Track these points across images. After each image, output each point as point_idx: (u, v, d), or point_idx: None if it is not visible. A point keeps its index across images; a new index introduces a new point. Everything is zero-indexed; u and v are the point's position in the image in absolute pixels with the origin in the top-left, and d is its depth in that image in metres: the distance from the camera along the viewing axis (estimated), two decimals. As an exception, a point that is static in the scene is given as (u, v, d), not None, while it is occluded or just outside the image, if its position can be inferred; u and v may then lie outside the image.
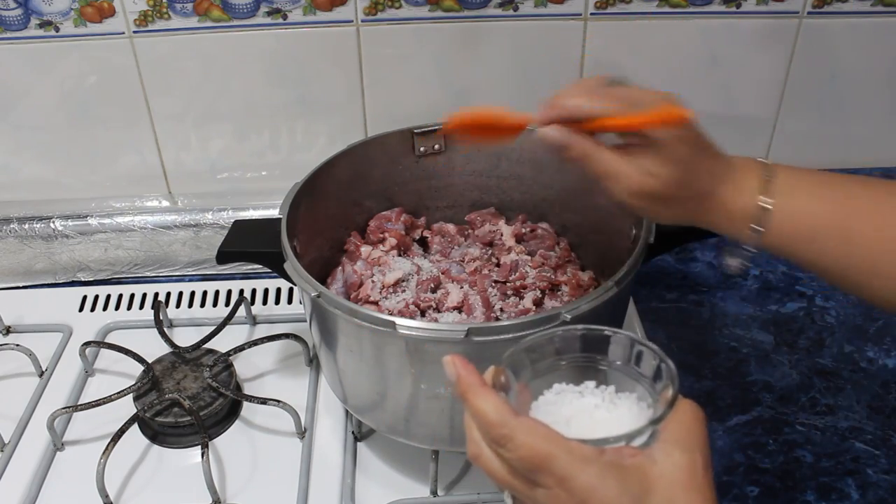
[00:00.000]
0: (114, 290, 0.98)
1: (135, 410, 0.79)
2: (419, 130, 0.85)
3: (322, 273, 0.83)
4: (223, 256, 0.75)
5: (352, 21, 0.91)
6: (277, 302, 0.96)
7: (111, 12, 0.90)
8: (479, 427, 0.47)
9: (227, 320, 0.88)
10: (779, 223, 0.59)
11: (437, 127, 0.86)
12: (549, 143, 0.60)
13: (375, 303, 0.79)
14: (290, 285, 0.96)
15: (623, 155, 0.58)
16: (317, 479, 0.75)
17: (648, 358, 0.50)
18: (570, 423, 0.48)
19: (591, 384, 0.51)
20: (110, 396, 0.79)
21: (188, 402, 0.78)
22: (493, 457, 0.46)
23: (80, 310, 0.96)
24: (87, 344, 0.86)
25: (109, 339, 0.91)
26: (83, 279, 1.00)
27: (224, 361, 0.84)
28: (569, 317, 0.62)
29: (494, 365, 0.50)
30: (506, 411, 0.45)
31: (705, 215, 0.61)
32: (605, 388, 0.50)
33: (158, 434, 0.80)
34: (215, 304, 0.96)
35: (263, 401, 0.79)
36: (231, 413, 0.82)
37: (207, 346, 0.86)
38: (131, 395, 0.80)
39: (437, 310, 0.78)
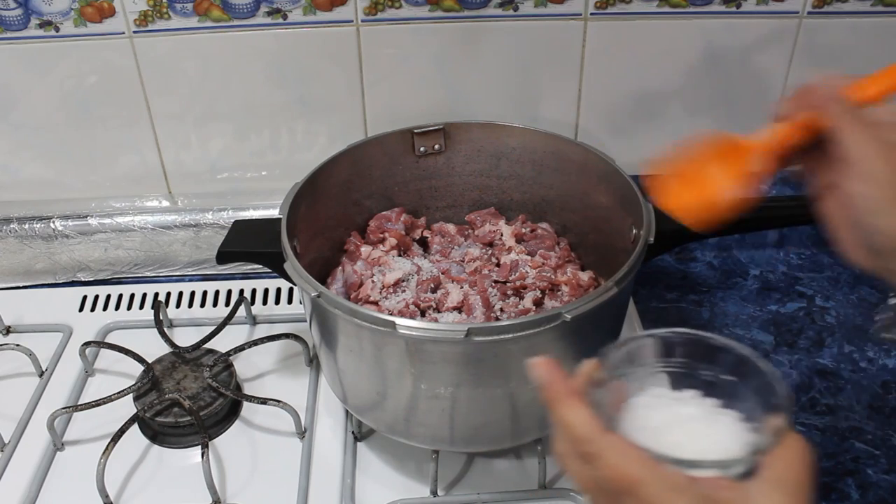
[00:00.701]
0: (114, 290, 0.98)
1: (135, 410, 0.79)
2: (419, 130, 0.86)
3: (322, 273, 0.83)
4: (223, 256, 0.75)
5: (352, 21, 0.91)
6: (277, 302, 0.96)
7: (111, 12, 0.89)
8: (566, 439, 0.45)
9: (227, 320, 0.88)
10: None
11: (437, 127, 0.86)
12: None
13: (375, 303, 0.79)
14: (290, 285, 0.96)
15: (827, 198, 0.51)
16: (317, 479, 0.75)
17: (759, 377, 0.46)
18: (661, 430, 0.45)
19: (690, 393, 0.47)
20: (110, 396, 0.79)
21: (188, 402, 0.78)
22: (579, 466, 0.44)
23: (80, 310, 0.96)
24: (87, 344, 0.86)
25: (109, 339, 0.91)
26: (83, 279, 1.00)
27: (224, 361, 0.84)
28: (569, 317, 0.62)
29: (596, 358, 0.48)
30: (594, 427, 0.43)
31: None
32: (705, 400, 0.47)
33: (158, 434, 0.80)
34: (215, 304, 0.96)
35: (263, 401, 0.79)
36: (231, 413, 0.82)
37: (207, 346, 0.86)
38: (131, 395, 0.80)
39: (437, 310, 0.78)
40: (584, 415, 0.44)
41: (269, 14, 0.90)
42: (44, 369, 0.87)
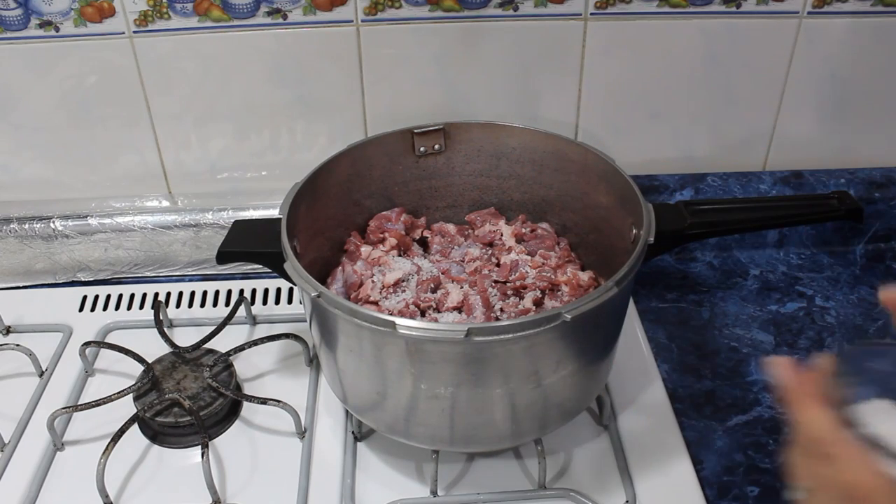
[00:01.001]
0: (114, 290, 0.98)
1: (135, 410, 0.79)
2: (419, 130, 0.86)
3: (322, 273, 0.83)
4: (223, 256, 0.75)
5: (352, 21, 0.91)
6: (277, 302, 0.96)
7: (111, 12, 0.89)
8: (804, 437, 0.45)
9: (227, 320, 0.88)
10: None
11: (437, 127, 0.86)
12: None
13: (375, 303, 0.79)
14: (290, 285, 0.96)
15: None
16: (317, 479, 0.75)
17: None
18: (878, 443, 0.44)
19: None
20: (110, 396, 0.79)
21: (188, 402, 0.78)
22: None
23: (80, 310, 0.96)
24: (87, 344, 0.86)
25: (109, 339, 0.91)
26: (83, 279, 1.00)
27: (224, 361, 0.84)
28: (569, 317, 0.62)
29: (836, 355, 0.48)
30: (834, 429, 0.44)
31: None
32: None
33: (158, 434, 0.80)
34: (215, 304, 0.96)
35: (263, 401, 0.79)
36: (231, 413, 0.82)
37: (207, 346, 0.86)
38: (131, 395, 0.80)
39: (437, 310, 0.78)
40: (824, 416, 0.44)
41: (269, 14, 0.90)
42: (44, 369, 0.87)
